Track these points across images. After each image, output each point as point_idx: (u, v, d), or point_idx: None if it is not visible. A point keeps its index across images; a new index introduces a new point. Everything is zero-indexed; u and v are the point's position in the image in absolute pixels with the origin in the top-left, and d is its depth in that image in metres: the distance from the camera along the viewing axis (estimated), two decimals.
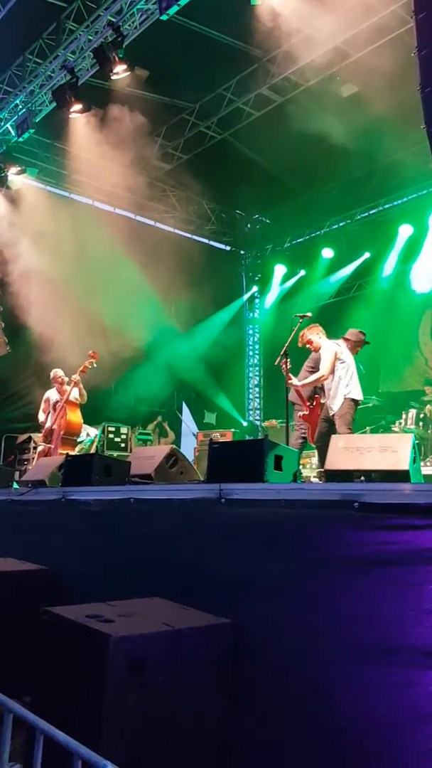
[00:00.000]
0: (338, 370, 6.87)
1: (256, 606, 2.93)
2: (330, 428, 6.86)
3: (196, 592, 3.17)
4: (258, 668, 2.76)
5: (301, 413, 7.46)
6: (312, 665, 2.62)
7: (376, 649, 2.41)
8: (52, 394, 8.76)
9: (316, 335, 7.24)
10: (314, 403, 7.33)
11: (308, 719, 2.57)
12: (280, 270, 15.54)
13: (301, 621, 2.73)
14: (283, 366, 7.09)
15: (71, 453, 8.03)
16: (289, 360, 7.06)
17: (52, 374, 8.89)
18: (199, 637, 2.72)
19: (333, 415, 6.82)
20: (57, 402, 8.59)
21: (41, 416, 8.82)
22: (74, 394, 8.49)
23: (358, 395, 6.90)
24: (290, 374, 7.10)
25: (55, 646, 2.73)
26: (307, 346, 7.30)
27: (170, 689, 2.50)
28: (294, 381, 7.14)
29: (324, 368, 6.87)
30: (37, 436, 10.37)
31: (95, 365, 8.53)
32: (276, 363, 7.20)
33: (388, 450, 3.34)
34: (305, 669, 2.64)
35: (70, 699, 2.52)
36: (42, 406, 8.86)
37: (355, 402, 6.87)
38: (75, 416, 8.47)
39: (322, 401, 7.17)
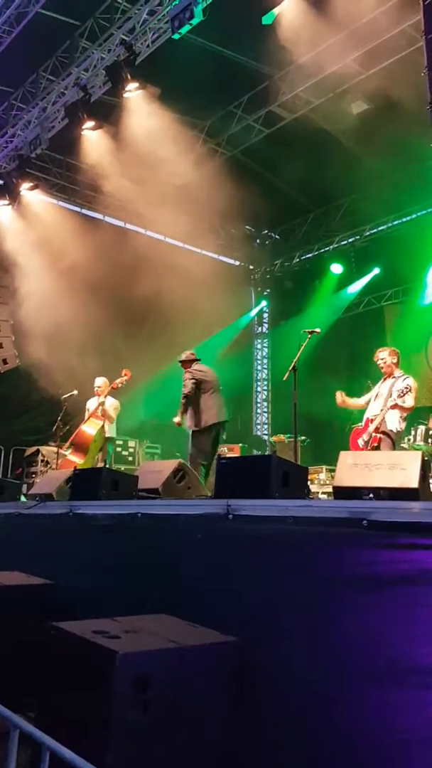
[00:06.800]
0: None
1: (263, 623, 2.91)
2: None
3: (202, 608, 3.15)
4: (264, 687, 2.74)
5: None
6: (318, 685, 2.60)
7: (384, 669, 2.38)
8: (91, 404, 8.84)
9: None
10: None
11: (313, 739, 2.54)
12: (289, 285, 15.58)
13: (307, 639, 2.71)
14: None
15: (79, 463, 8.06)
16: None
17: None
18: (205, 654, 2.71)
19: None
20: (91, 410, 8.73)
21: None
22: (108, 409, 8.57)
23: None
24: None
25: (61, 661, 2.72)
26: (386, 368, 6.99)
27: (175, 706, 2.48)
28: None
29: (412, 400, 6.57)
30: (45, 449, 10.43)
31: (125, 383, 8.62)
32: (284, 378, 7.15)
33: (397, 467, 3.31)
34: (311, 688, 2.62)
35: (76, 715, 2.51)
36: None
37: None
38: (90, 428, 8.51)
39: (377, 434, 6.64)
